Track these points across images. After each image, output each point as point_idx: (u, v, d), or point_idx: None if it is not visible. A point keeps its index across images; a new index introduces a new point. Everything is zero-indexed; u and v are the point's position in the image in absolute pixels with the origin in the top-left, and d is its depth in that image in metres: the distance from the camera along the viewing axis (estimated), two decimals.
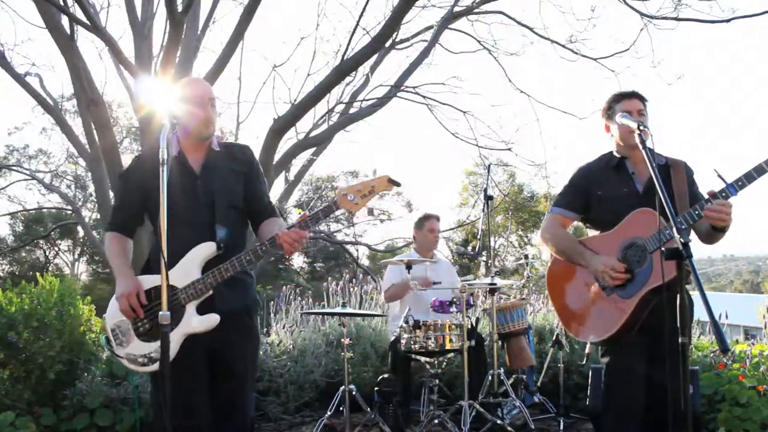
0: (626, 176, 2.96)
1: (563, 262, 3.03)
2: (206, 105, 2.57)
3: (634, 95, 2.96)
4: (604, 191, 2.97)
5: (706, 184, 2.67)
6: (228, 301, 2.52)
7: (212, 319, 2.43)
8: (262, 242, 2.50)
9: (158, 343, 2.37)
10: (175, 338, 2.41)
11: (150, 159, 2.63)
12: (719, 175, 2.47)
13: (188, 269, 2.47)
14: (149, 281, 2.56)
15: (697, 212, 2.61)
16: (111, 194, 7.00)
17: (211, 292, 2.46)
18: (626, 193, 2.91)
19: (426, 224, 5.05)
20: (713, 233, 2.75)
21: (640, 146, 2.43)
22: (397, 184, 2.30)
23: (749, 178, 2.52)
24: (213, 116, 2.60)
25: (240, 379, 2.59)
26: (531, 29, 8.76)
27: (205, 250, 2.49)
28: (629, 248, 2.79)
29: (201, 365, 2.47)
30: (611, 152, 3.07)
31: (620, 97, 2.96)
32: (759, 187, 2.55)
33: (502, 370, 4.56)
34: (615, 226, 2.86)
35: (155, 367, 2.43)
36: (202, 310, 2.47)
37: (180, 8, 5.30)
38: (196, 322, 2.45)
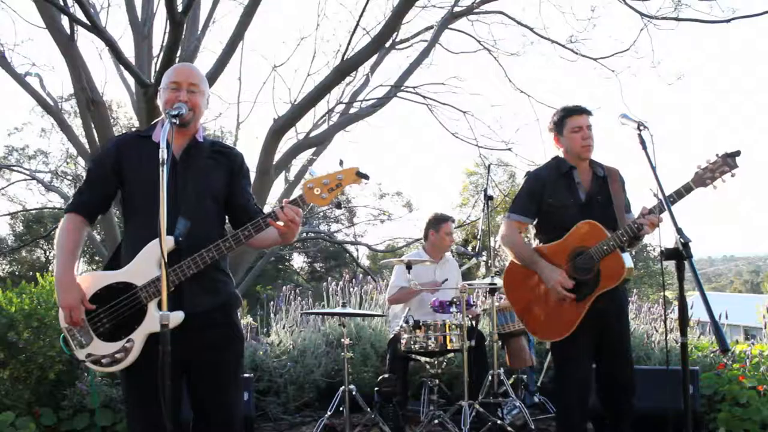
0: (573, 185, 3.21)
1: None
2: (179, 90, 2.41)
3: (583, 111, 3.22)
4: (553, 199, 3.22)
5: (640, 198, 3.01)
6: (197, 300, 2.35)
7: (177, 317, 2.25)
8: (245, 229, 2.31)
9: (121, 343, 2.32)
10: (139, 338, 2.32)
11: (129, 143, 2.51)
12: (655, 194, 2.77)
13: (146, 266, 2.33)
14: (104, 279, 2.41)
15: (636, 225, 2.92)
16: None
17: (173, 288, 2.27)
18: (572, 203, 3.18)
19: (443, 227, 4.98)
20: (632, 243, 3.06)
21: (640, 145, 2.45)
22: (366, 177, 2.16)
23: (679, 195, 2.84)
24: (191, 101, 2.40)
25: (219, 380, 2.42)
26: (531, 29, 8.80)
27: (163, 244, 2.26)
28: (578, 256, 3.09)
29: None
30: (559, 158, 3.30)
31: (569, 113, 3.22)
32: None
33: (502, 370, 4.56)
34: (557, 232, 3.16)
35: (120, 366, 2.34)
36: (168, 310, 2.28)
37: (180, 8, 5.30)
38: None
